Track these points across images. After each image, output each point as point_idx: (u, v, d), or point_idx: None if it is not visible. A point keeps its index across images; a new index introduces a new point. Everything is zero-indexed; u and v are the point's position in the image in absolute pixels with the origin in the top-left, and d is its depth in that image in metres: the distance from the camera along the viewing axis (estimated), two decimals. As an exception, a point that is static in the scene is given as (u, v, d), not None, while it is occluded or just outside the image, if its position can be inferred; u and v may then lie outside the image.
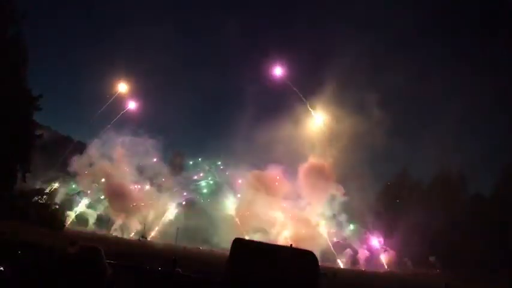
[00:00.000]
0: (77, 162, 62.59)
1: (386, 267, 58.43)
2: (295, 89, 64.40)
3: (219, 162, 75.19)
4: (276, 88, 69.07)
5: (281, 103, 71.20)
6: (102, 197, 66.16)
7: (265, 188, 62.74)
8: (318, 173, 61.67)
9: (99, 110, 67.95)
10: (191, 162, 76.40)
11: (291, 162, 64.69)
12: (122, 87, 69.21)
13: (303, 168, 63.30)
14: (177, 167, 73.82)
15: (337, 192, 61.20)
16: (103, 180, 64.95)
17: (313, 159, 63.91)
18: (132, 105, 70.16)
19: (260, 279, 3.67)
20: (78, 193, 65.62)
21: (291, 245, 3.69)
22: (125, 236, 60.84)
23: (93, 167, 64.26)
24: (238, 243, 2.67)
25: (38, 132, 49.30)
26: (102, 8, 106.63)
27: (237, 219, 63.55)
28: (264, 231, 60.53)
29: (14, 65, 41.42)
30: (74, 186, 65.87)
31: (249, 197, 63.16)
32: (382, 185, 71.39)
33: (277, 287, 3.78)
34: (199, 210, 67.76)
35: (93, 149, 64.87)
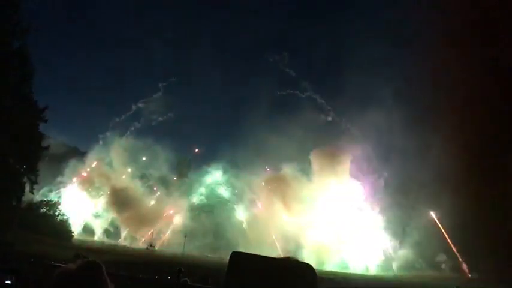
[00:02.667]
0: (75, 169, 62.63)
1: (396, 271, 56.66)
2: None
3: (230, 168, 72.29)
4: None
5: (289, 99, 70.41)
6: (109, 205, 65.68)
7: (282, 193, 61.71)
8: (331, 163, 60.58)
9: (114, 120, 68.11)
10: (200, 168, 74.42)
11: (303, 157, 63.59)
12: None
13: (315, 158, 62.08)
14: (184, 174, 73.20)
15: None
16: (107, 187, 64.60)
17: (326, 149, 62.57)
18: None
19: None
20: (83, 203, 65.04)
21: (289, 257, 3.66)
22: (134, 246, 60.60)
23: (93, 173, 64.13)
24: (236, 256, 2.64)
25: (45, 144, 49.65)
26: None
27: (248, 227, 62.94)
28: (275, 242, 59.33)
29: (19, 79, 41.78)
30: (78, 195, 65.19)
31: (264, 206, 62.38)
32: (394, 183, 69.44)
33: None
34: (209, 218, 66.77)
35: (94, 155, 65.06)
